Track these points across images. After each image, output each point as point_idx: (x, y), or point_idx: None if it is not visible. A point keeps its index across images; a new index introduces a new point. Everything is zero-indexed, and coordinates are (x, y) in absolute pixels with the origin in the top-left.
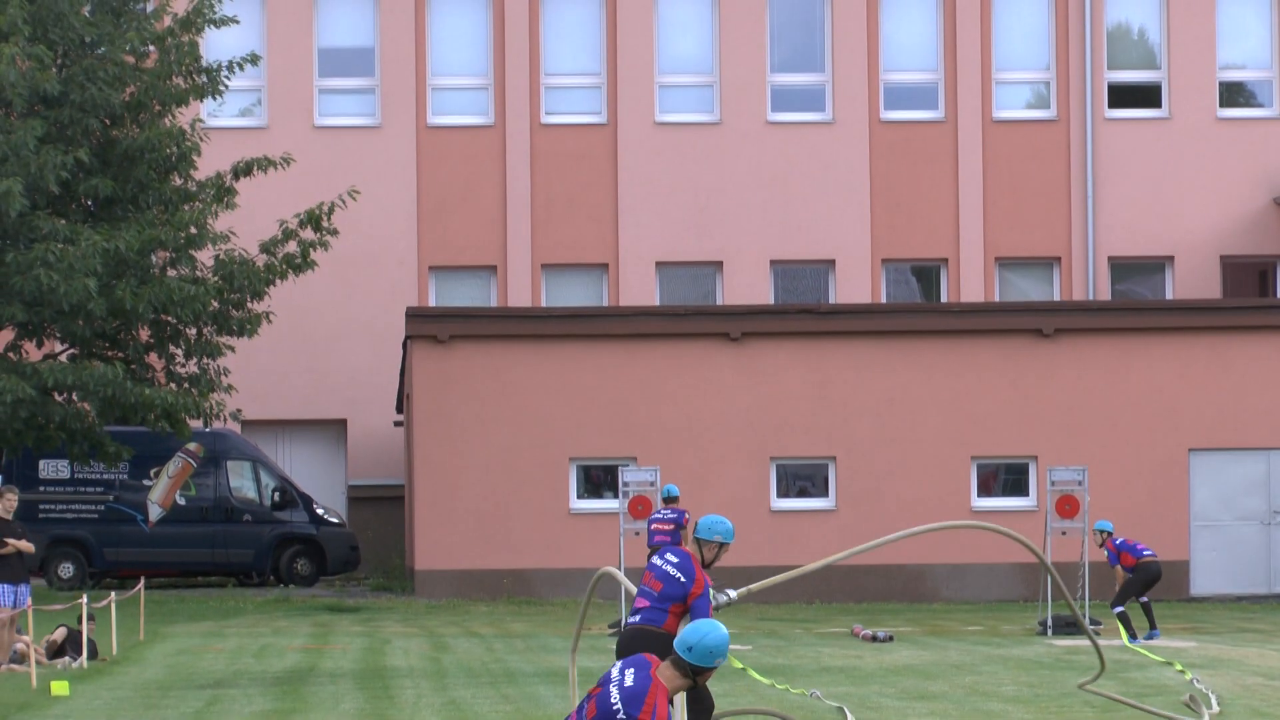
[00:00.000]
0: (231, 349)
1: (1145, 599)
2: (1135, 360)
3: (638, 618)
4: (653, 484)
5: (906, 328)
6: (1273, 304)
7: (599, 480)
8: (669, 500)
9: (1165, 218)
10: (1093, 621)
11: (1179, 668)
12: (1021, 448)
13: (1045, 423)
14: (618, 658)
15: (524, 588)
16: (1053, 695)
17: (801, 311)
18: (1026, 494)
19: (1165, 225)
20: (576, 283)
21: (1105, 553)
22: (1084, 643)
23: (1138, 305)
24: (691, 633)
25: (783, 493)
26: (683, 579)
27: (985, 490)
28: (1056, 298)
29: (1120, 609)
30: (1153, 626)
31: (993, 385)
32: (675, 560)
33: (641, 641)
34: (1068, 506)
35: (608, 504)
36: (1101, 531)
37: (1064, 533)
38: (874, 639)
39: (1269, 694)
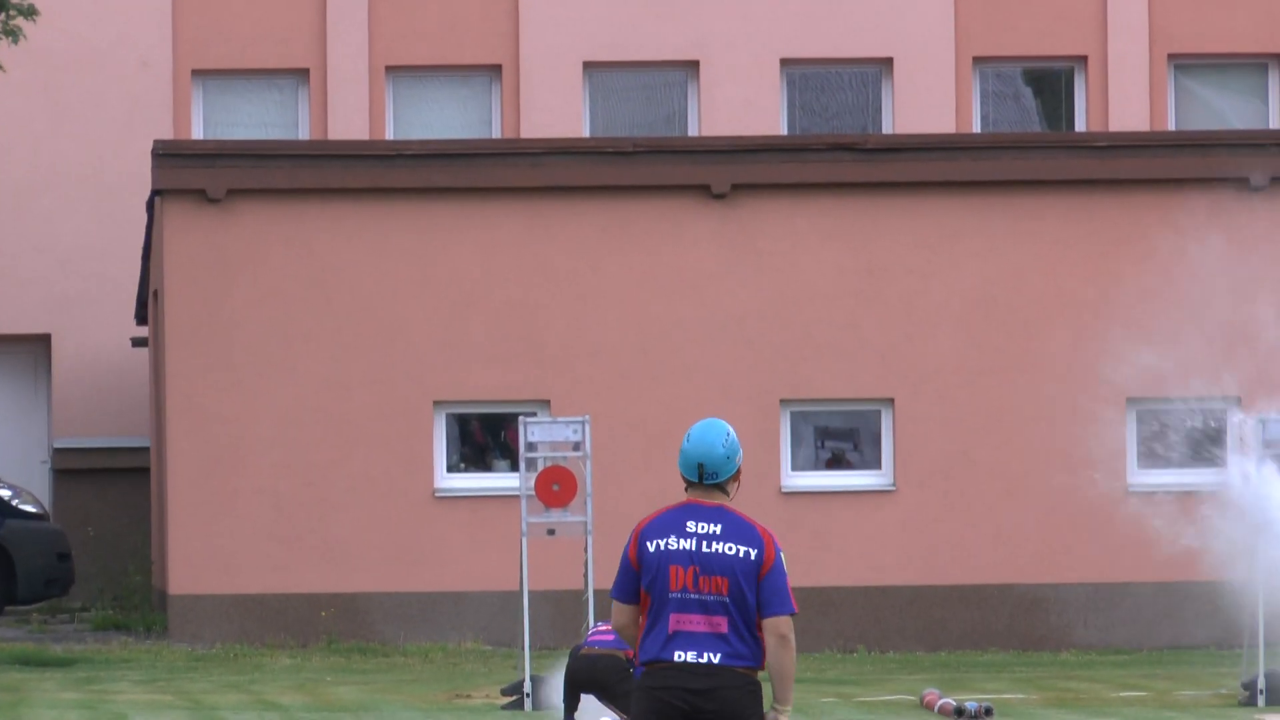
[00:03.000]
0: None
1: None
2: None
3: (714, 657)
4: (578, 446)
5: (1015, 176)
6: None
7: (485, 440)
8: None
9: None
10: None
11: None
12: (1216, 383)
13: (1253, 343)
14: None
15: (355, 624)
16: None
17: (836, 148)
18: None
19: None
20: (448, 99)
21: None
22: None
23: None
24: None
25: (802, 461)
26: (751, 552)
27: (1152, 457)
28: (1273, 123)
29: None
30: None
31: (1163, 273)
32: (717, 526)
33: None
34: None
35: (499, 481)
36: None
37: None
38: (959, 714)
39: None
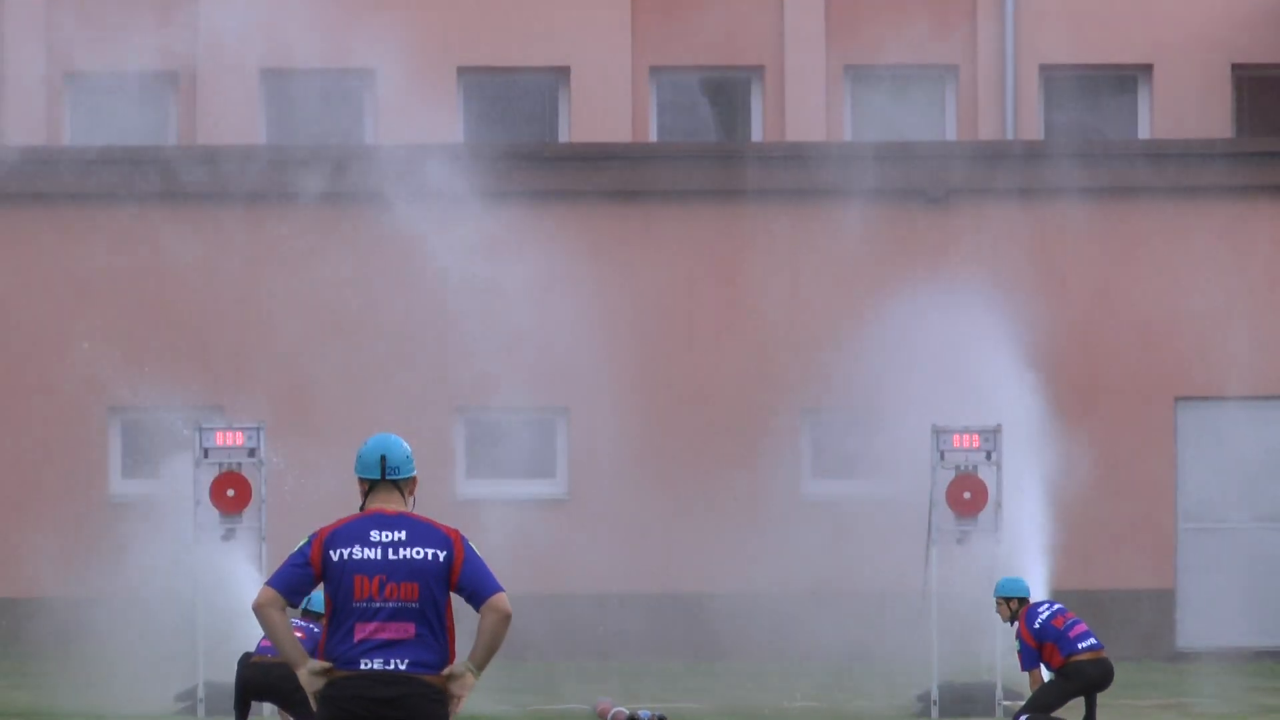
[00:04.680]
0: None
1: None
2: None
3: (400, 664)
4: (253, 452)
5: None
6: None
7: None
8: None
9: None
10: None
11: None
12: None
13: None
14: None
15: (25, 631)
16: None
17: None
18: None
19: None
20: None
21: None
22: None
23: None
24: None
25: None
26: (440, 554)
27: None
28: (950, 134)
29: None
30: None
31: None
32: (402, 532)
33: None
34: None
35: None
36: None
37: None
38: None
39: None
